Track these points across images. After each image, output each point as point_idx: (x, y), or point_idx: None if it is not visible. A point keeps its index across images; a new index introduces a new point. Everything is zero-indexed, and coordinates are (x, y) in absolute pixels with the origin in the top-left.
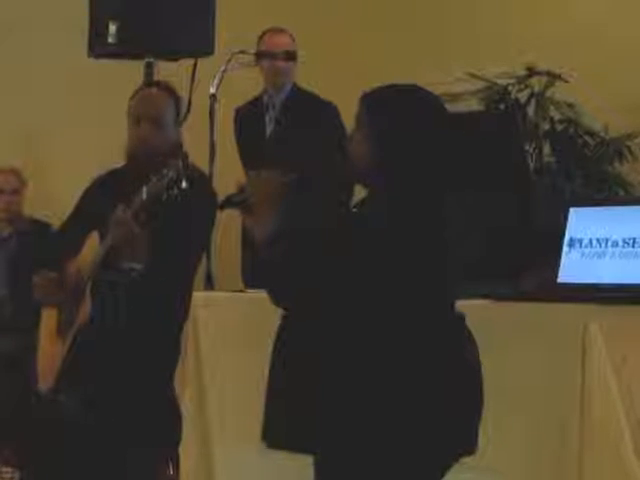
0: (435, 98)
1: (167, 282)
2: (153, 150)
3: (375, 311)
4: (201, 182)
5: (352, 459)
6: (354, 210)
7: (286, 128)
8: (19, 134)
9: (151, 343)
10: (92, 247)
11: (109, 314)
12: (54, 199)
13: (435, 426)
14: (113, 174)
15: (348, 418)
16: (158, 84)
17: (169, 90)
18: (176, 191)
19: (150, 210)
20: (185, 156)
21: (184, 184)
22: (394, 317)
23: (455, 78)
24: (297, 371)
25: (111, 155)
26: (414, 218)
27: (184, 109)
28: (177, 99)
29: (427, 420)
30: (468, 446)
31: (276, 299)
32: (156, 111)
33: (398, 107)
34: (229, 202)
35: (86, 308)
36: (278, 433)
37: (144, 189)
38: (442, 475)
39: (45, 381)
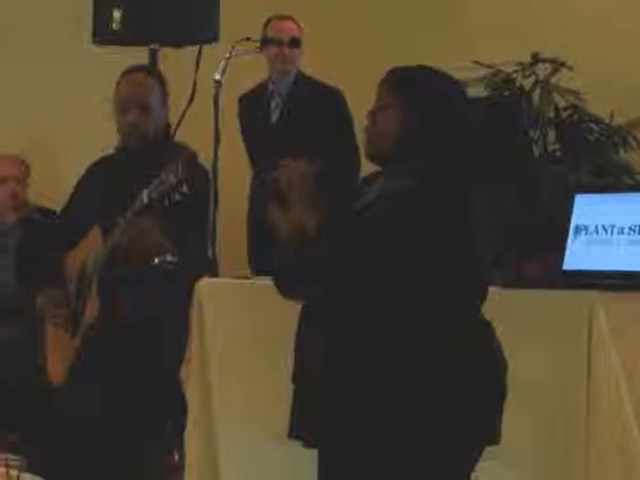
0: (454, 77)
1: (190, 274)
2: (143, 136)
3: (397, 302)
4: (192, 162)
5: (375, 453)
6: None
7: (292, 115)
8: (24, 125)
9: (162, 333)
10: (94, 242)
11: (119, 309)
12: (60, 189)
13: (459, 418)
14: (106, 162)
15: (371, 414)
16: (142, 69)
17: (153, 74)
18: (177, 196)
19: (152, 212)
20: (184, 159)
21: (185, 188)
22: (417, 308)
23: (457, 66)
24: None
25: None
26: (443, 200)
27: (169, 91)
28: (162, 82)
29: (451, 412)
30: (492, 436)
31: (285, 291)
32: (143, 97)
33: (430, 84)
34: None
35: (94, 305)
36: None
37: (145, 193)
38: (469, 468)
39: (56, 374)
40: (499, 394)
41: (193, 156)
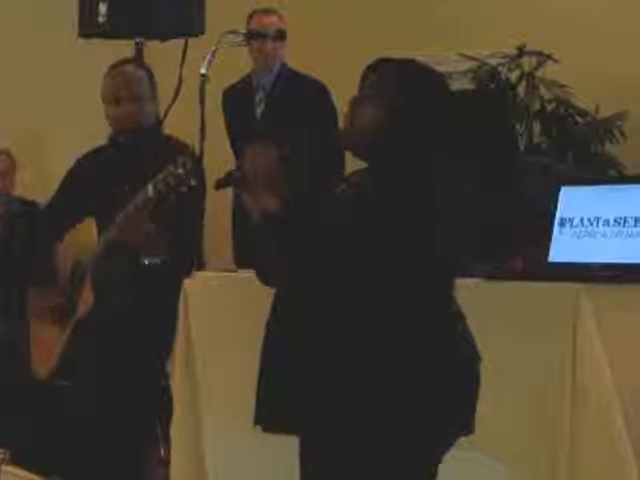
0: (441, 73)
1: (184, 271)
2: (137, 126)
3: (367, 291)
4: (193, 161)
5: (346, 443)
6: (347, 187)
7: (276, 109)
8: (11, 118)
9: (152, 329)
10: (87, 234)
11: (112, 304)
12: (47, 183)
13: (429, 409)
14: (99, 153)
15: (341, 401)
16: (130, 61)
17: (142, 66)
18: (185, 189)
19: (156, 205)
20: (193, 153)
21: (193, 182)
22: (387, 298)
23: (444, 57)
24: (290, 353)
25: (104, 138)
26: (419, 194)
27: (157, 83)
28: (150, 74)
29: (421, 403)
30: (463, 427)
31: (264, 278)
32: (135, 88)
33: (412, 78)
34: (228, 180)
35: (87, 297)
36: (273, 416)
37: (149, 186)
38: (439, 456)
39: (42, 366)
40: (472, 384)
41: (195, 156)
